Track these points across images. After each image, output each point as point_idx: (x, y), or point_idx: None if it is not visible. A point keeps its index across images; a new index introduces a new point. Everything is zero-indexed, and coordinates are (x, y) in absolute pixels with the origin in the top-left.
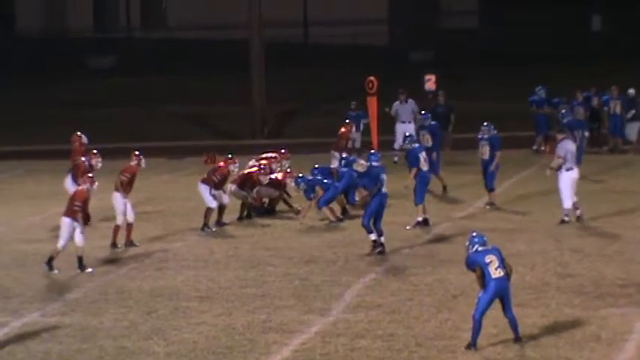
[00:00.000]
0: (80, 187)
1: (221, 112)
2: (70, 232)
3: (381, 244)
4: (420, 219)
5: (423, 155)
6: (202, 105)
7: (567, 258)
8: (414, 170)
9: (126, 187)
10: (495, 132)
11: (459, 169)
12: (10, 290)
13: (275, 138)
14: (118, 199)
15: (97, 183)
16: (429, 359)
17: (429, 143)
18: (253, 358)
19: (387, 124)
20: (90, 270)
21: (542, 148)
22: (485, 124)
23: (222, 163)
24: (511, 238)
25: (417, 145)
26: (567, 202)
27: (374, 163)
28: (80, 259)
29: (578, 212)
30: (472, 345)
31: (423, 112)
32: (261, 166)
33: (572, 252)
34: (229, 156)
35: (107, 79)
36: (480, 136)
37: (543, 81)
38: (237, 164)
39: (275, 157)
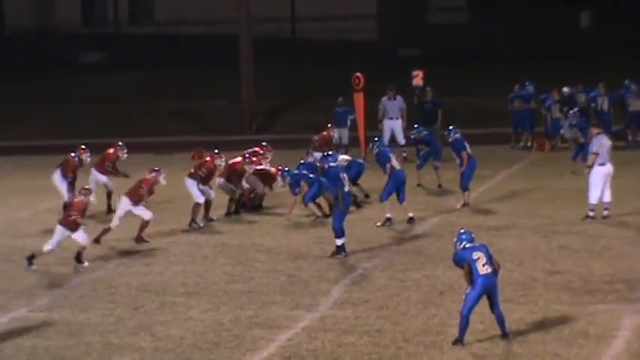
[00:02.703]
0: (77, 199)
1: (209, 107)
2: (60, 240)
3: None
4: (388, 215)
5: (394, 155)
6: (191, 100)
7: (555, 254)
8: (388, 165)
9: (139, 196)
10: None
11: (446, 165)
12: None
13: (263, 133)
14: (123, 203)
15: (92, 198)
16: (416, 355)
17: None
18: (240, 354)
19: (374, 120)
20: (86, 264)
21: (535, 145)
22: (450, 127)
23: (208, 158)
24: (499, 234)
25: (385, 147)
26: (593, 197)
27: (331, 164)
28: (79, 254)
29: (605, 212)
30: (459, 341)
31: (416, 125)
32: (246, 155)
33: (560, 248)
34: (215, 151)
35: (96, 74)
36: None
37: (532, 77)
38: (223, 159)
39: (262, 153)
